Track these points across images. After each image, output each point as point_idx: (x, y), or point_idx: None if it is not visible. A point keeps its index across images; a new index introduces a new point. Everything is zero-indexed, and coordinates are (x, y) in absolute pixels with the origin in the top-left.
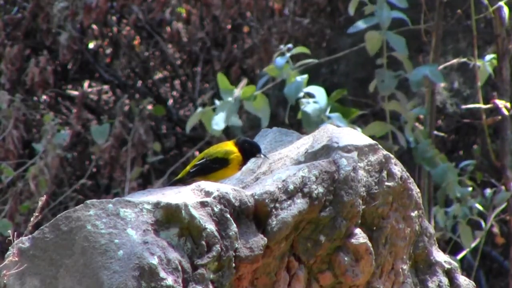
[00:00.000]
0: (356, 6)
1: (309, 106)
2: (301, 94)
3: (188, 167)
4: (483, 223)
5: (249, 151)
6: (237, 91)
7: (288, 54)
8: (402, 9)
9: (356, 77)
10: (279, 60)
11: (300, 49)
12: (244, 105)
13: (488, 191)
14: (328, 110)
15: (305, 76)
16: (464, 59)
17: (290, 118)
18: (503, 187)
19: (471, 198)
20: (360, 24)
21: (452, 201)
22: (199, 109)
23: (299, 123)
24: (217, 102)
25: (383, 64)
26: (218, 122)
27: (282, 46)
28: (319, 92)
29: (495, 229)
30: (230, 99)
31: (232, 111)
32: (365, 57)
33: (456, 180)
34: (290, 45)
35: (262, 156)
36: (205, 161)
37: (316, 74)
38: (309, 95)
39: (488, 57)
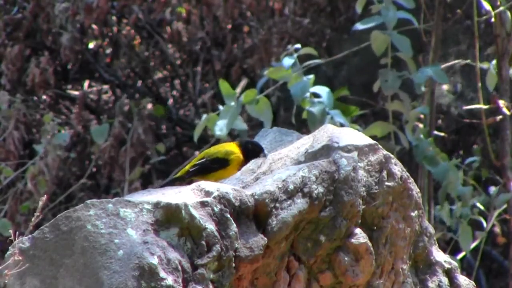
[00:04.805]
0: (359, 5)
1: (314, 106)
2: (307, 94)
3: (187, 166)
4: (484, 223)
5: (252, 151)
6: (238, 91)
7: (295, 55)
8: (404, 8)
9: (358, 77)
10: (287, 61)
11: (307, 50)
12: (247, 109)
13: (492, 189)
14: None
15: (311, 76)
16: (466, 61)
17: (290, 118)
18: (503, 188)
19: (473, 197)
20: (364, 24)
21: (453, 200)
22: (204, 116)
23: (300, 123)
24: (220, 107)
25: (387, 64)
26: (221, 127)
27: (289, 47)
28: (324, 92)
29: (497, 229)
30: (232, 103)
31: (235, 116)
32: (367, 57)
33: (457, 178)
34: (297, 46)
35: (265, 155)
36: (205, 161)
37: (317, 74)
38: (315, 95)
39: (493, 61)
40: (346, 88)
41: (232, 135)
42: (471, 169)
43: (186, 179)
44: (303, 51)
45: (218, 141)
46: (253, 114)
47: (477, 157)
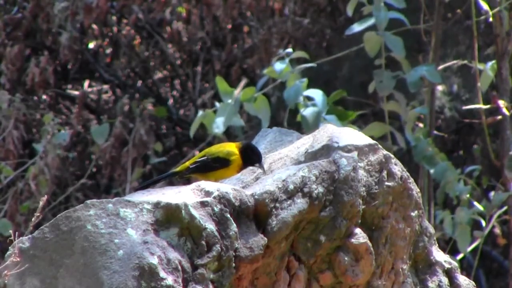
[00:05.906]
0: (355, 7)
1: (307, 110)
2: (301, 98)
3: (187, 163)
4: (483, 223)
5: (249, 158)
6: (237, 91)
7: (287, 59)
8: (401, 9)
9: (357, 77)
10: (278, 65)
11: (299, 53)
12: (244, 107)
13: (492, 193)
14: (325, 112)
15: (305, 79)
16: (464, 61)
17: (289, 119)
18: (501, 188)
19: (473, 199)
20: (357, 26)
21: (452, 200)
22: (201, 112)
23: (298, 125)
24: (217, 104)
25: (382, 65)
26: (219, 125)
27: (281, 51)
28: (318, 95)
29: (497, 230)
30: (230, 101)
31: (233, 113)
32: (366, 57)
33: (456, 178)
34: (289, 50)
35: (261, 167)
36: (206, 159)
37: (317, 75)
38: (309, 98)
39: (490, 62)
40: (344, 90)
41: (231, 135)
42: (472, 177)
43: (185, 175)
44: (296, 55)
45: (214, 139)
46: (251, 112)
47: (477, 166)
